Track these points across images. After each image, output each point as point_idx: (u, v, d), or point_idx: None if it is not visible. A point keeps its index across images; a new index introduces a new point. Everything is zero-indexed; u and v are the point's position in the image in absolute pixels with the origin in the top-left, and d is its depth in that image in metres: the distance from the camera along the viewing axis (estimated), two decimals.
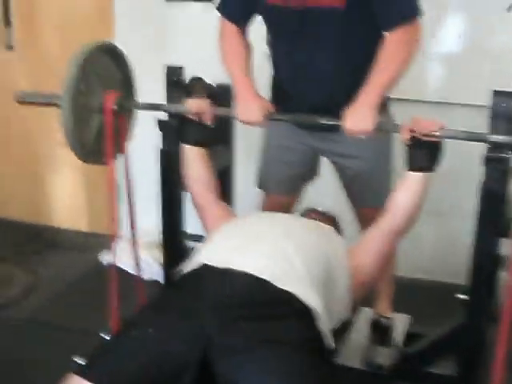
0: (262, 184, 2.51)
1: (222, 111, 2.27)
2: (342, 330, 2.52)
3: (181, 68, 2.36)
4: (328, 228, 2.07)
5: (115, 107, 2.17)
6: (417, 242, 3.34)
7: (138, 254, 2.46)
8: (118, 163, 3.62)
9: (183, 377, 1.48)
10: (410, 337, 2.55)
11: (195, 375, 1.48)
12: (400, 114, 3.05)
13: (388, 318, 2.48)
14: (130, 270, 3.19)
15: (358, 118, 2.01)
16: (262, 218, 2.12)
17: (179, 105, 2.22)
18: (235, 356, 1.46)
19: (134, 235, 2.45)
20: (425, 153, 1.89)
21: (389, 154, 2.36)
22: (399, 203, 1.92)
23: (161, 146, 2.37)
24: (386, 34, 2.07)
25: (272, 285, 1.63)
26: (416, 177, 1.91)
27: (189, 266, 1.79)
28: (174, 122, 2.31)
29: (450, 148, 3.04)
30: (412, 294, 3.09)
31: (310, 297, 1.64)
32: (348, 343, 2.54)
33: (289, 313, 1.58)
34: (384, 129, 2.10)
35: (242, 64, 2.25)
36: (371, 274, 1.96)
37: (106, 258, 3.40)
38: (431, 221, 3.27)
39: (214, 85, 2.58)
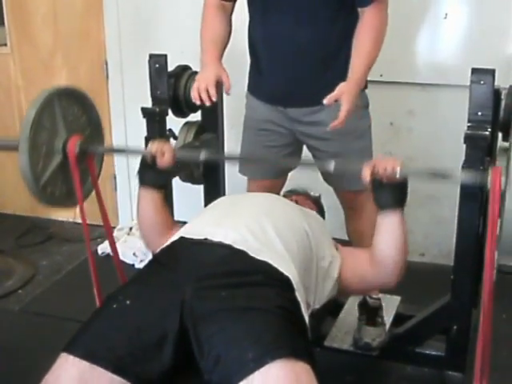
0: (243, 169, 2.51)
1: (183, 154, 2.16)
2: (332, 312, 2.55)
3: (164, 55, 2.38)
4: (308, 210, 2.08)
5: (77, 151, 2.04)
6: (409, 225, 3.33)
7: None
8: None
9: (164, 346, 1.50)
10: (402, 318, 2.56)
11: (175, 344, 1.50)
12: (389, 97, 3.08)
13: (375, 298, 2.48)
14: (126, 259, 3.25)
15: (353, 96, 2.07)
16: (241, 196, 2.15)
17: (140, 148, 2.13)
18: (209, 324, 1.48)
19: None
20: (389, 193, 1.82)
21: (366, 135, 2.36)
22: (383, 251, 1.87)
23: (145, 133, 2.39)
24: (361, 10, 2.14)
25: (248, 255, 1.65)
26: (387, 219, 1.85)
27: (169, 241, 1.82)
28: (158, 109, 2.35)
29: (446, 133, 3.06)
30: (405, 276, 3.09)
31: (285, 267, 1.66)
32: (338, 325, 2.56)
33: (265, 281, 1.59)
34: (345, 169, 2.02)
35: (214, 37, 2.28)
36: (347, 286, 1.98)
37: (101, 248, 3.44)
38: (424, 203, 3.28)
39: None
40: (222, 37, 2.30)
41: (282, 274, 1.64)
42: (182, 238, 1.77)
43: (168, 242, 1.80)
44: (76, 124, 2.12)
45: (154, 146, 1.98)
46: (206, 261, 1.64)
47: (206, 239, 1.71)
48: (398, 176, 1.77)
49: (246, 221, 1.78)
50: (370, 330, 2.42)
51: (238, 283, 1.57)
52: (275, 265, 1.64)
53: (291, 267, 1.68)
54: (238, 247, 1.67)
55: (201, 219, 1.91)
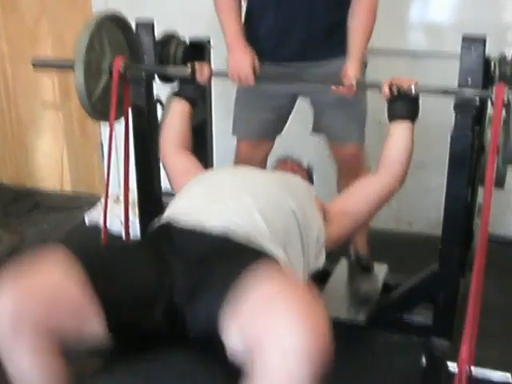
0: (237, 129, 2.56)
1: (220, 73, 2.39)
2: (319, 280, 2.55)
3: (151, 21, 2.34)
4: (296, 179, 2.07)
5: (122, 70, 2.27)
6: (397, 195, 3.33)
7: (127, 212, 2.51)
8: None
9: (154, 308, 1.51)
10: (389, 287, 2.57)
11: (164, 311, 1.51)
12: (379, 67, 3.05)
13: (365, 254, 2.67)
14: (113, 228, 3.22)
15: (356, 70, 2.22)
16: (224, 173, 2.09)
17: (181, 68, 2.34)
18: (199, 297, 1.49)
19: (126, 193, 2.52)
20: (404, 104, 2.05)
21: (362, 92, 2.41)
22: (392, 155, 2.04)
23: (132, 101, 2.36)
24: None
25: (235, 237, 1.64)
26: (400, 126, 2.04)
27: (155, 224, 1.80)
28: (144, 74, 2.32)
29: (435, 101, 3.04)
30: (393, 246, 3.11)
31: (272, 247, 1.65)
32: (326, 293, 2.56)
33: (251, 258, 1.57)
34: (367, 86, 2.29)
35: (234, 16, 2.33)
36: (359, 219, 2.05)
37: (88, 217, 3.42)
38: (412, 173, 3.26)
39: (187, 40, 2.56)
40: (240, 11, 2.37)
41: (267, 253, 1.63)
42: (168, 223, 1.75)
43: (155, 227, 1.79)
44: (118, 46, 2.37)
45: (196, 64, 2.30)
46: (193, 245, 1.64)
47: (192, 225, 1.69)
48: (413, 90, 2.03)
49: (229, 203, 1.77)
50: (366, 278, 2.60)
51: (228, 259, 1.57)
52: (262, 245, 1.64)
53: (278, 248, 1.68)
54: (224, 231, 1.66)
55: (186, 203, 1.87)
